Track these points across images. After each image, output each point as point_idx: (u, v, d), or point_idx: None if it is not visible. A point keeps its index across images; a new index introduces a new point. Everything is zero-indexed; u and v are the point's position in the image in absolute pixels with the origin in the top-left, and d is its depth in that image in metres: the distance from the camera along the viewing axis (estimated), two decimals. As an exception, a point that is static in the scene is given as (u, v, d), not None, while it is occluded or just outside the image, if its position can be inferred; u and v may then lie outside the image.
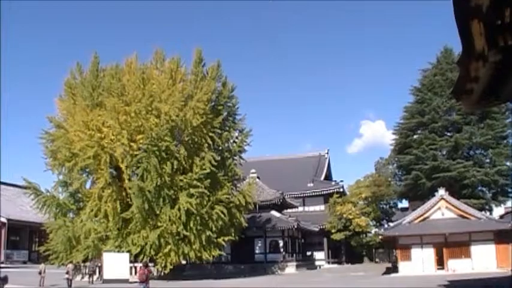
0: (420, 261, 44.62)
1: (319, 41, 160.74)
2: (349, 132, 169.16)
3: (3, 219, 73.39)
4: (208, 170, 41.32)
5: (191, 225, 40.69)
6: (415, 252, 45.15)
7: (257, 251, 58.34)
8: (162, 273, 40.86)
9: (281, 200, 60.05)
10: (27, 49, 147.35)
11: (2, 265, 56.57)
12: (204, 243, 41.33)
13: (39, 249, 51.72)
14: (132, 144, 41.37)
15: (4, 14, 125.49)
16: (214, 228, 41.64)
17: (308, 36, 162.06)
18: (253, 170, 60.32)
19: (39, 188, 46.10)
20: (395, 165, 74.58)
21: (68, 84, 47.43)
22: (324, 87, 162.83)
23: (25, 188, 48.68)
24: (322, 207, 77.95)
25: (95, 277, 40.95)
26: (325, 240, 73.84)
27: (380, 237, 53.44)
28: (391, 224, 51.33)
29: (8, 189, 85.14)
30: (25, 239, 79.32)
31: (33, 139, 46.62)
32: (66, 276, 35.18)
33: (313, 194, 77.45)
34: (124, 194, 42.85)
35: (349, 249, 76.62)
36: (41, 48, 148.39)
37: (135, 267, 41.86)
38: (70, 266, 37.22)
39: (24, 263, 70.94)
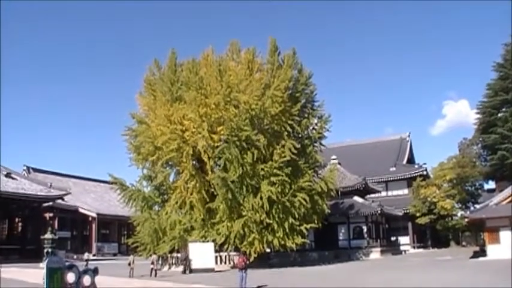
0: (509, 244, 42.90)
1: (398, 22, 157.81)
2: (432, 114, 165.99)
3: (94, 214, 76.61)
4: (288, 158, 41.26)
5: (274, 213, 40.90)
6: (504, 234, 43.39)
7: (341, 238, 58.02)
8: (248, 262, 41.27)
9: (363, 185, 59.44)
10: (104, 50, 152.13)
11: (94, 257, 59.04)
12: (287, 231, 41.37)
13: (128, 242, 53.44)
14: (213, 135, 41.83)
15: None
16: (297, 216, 41.60)
17: (388, 18, 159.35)
18: (334, 156, 59.99)
19: (125, 183, 47.61)
20: (479, 145, 72.16)
21: (148, 80, 48.50)
22: (405, 69, 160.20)
23: (112, 183, 50.19)
24: (406, 191, 76.86)
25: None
26: (409, 224, 72.77)
27: (466, 220, 52.00)
28: (478, 206, 49.83)
29: (97, 185, 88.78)
30: (114, 232, 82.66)
31: (118, 136, 48.02)
32: (151, 266, 37.11)
33: (396, 178, 76.43)
34: (208, 185, 43.43)
35: (434, 233, 75.11)
36: (120, 47, 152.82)
37: (220, 257, 42.68)
38: (154, 257, 39.04)
39: (115, 255, 73.81)
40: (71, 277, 11.74)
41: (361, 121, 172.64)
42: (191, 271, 38.85)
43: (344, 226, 57.82)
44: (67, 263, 13.27)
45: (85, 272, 12.29)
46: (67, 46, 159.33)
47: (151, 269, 36.80)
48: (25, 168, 77.95)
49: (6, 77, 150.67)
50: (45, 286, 11.53)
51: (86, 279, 12.14)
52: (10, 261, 51.91)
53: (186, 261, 39.69)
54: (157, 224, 44.31)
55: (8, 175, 63.00)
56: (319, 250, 54.82)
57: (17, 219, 68.50)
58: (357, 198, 58.81)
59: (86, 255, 53.76)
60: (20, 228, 68.92)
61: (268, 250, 45.62)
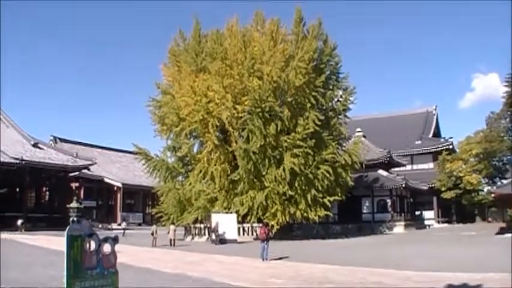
0: (536, 220, 42.34)
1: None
2: (461, 87, 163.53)
3: (119, 184, 77.50)
4: (312, 130, 41.04)
5: (296, 185, 40.97)
6: (531, 211, 42.87)
7: (364, 211, 57.85)
8: (269, 234, 41.18)
9: (388, 159, 59.02)
10: (127, 19, 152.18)
11: (119, 227, 59.95)
12: (310, 203, 41.40)
13: (152, 212, 54.03)
14: (237, 106, 41.65)
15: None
16: (320, 188, 41.53)
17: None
18: (358, 129, 59.64)
19: (149, 153, 47.92)
20: (507, 119, 70.88)
21: (172, 51, 48.38)
22: (435, 42, 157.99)
23: (136, 153, 50.55)
24: (431, 165, 76.18)
25: (208, 236, 42.18)
26: (434, 199, 72.22)
27: (492, 195, 51.42)
28: (505, 182, 49.20)
29: (122, 155, 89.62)
30: (139, 202, 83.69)
31: (142, 108, 48.18)
32: (169, 236, 37.52)
33: (421, 151, 75.76)
34: (231, 156, 43.54)
35: (460, 208, 74.42)
36: (144, 17, 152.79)
37: (243, 228, 42.76)
38: (172, 227, 39.33)
39: (139, 224, 74.74)
40: (91, 245, 11.73)
41: (389, 93, 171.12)
42: (223, 242, 38.70)
43: (368, 199, 57.61)
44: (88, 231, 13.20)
45: (105, 240, 12.26)
46: (89, 15, 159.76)
47: (170, 239, 37.28)
48: (52, 138, 79.03)
49: (32, 48, 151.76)
50: (65, 253, 11.53)
51: (106, 247, 12.08)
52: (37, 228, 52.98)
53: (215, 232, 39.49)
54: (181, 194, 44.62)
55: (35, 145, 63.87)
56: (343, 223, 54.79)
57: (44, 188, 69.80)
58: (381, 172, 58.48)
59: (123, 224, 56.32)
60: (47, 197, 70.15)
61: (291, 222, 45.63)
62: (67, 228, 12.22)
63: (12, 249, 30.07)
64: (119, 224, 67.18)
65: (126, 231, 50.93)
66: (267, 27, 45.09)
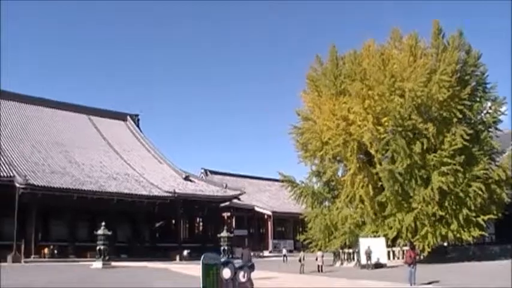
0: None
1: None
2: None
3: (269, 212, 78.76)
4: (460, 146, 39.06)
5: (446, 205, 39.17)
6: None
7: (525, 229, 53.70)
8: (422, 257, 39.46)
9: (549, 171, 54.54)
10: (259, 48, 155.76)
11: (270, 254, 60.63)
12: (462, 223, 39.24)
13: (300, 238, 54.23)
14: (378, 127, 40.70)
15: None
16: (472, 207, 39.27)
17: None
18: (513, 141, 55.92)
19: (294, 180, 48.31)
20: None
21: (310, 77, 48.76)
22: None
23: (282, 181, 51.15)
24: None
25: (356, 261, 41.30)
26: None
27: None
28: None
29: (271, 184, 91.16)
30: (289, 229, 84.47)
31: (285, 135, 48.84)
32: (317, 262, 37.51)
33: None
34: (376, 178, 42.50)
35: None
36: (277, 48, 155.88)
37: (393, 252, 41.40)
38: (319, 253, 39.28)
39: (291, 251, 75.01)
40: (226, 273, 11.84)
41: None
42: (378, 266, 37.74)
43: (529, 217, 53.42)
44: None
45: (241, 268, 12.33)
46: (229, 46, 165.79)
47: (318, 265, 37.25)
48: (202, 171, 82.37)
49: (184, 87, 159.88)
50: (200, 282, 11.74)
51: (242, 275, 12.15)
52: (192, 258, 54.91)
53: (368, 257, 38.25)
54: (328, 219, 44.44)
55: (186, 178, 66.92)
56: (501, 243, 51.00)
57: (197, 219, 72.73)
58: (543, 186, 54.05)
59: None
60: (200, 228, 72.97)
61: (444, 244, 43.58)
62: (202, 257, 12.37)
63: (167, 278, 31.41)
64: (270, 252, 67.98)
65: (274, 259, 51.52)
66: (405, 43, 43.92)
